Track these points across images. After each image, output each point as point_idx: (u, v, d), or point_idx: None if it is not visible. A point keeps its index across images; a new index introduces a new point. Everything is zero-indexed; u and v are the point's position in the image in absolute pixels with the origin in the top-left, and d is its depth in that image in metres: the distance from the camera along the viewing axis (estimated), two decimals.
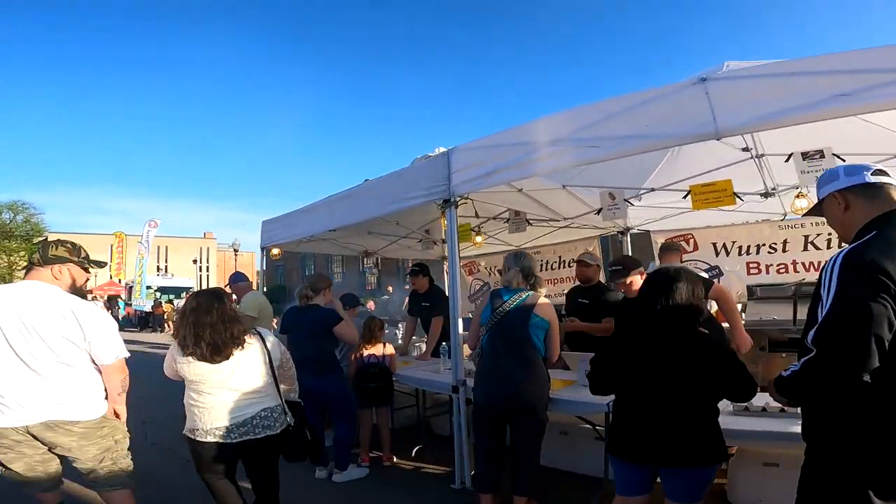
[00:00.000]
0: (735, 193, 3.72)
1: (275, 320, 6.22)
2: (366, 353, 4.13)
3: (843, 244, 1.69)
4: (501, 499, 2.99)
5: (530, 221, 5.22)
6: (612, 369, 2.15)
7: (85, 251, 2.63)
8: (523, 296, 2.89)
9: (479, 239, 5.84)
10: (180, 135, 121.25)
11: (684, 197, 3.96)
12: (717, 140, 2.51)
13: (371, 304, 10.96)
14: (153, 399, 6.57)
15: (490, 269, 7.88)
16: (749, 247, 5.55)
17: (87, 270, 2.61)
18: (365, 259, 8.07)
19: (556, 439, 3.63)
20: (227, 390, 2.40)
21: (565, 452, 3.70)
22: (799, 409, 2.41)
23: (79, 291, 2.56)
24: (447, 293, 5.24)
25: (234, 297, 5.56)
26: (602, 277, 4.60)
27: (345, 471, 3.82)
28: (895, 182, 1.63)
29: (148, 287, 28.00)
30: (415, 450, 4.36)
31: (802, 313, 4.64)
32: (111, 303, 28.64)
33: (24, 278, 2.48)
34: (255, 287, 5.77)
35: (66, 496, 2.91)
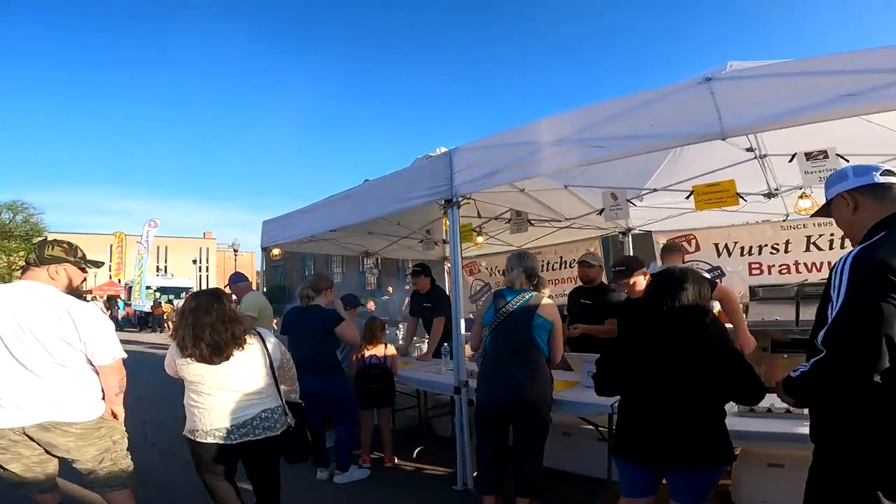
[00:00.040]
0: (738, 194, 3.72)
1: (275, 320, 6.21)
2: (367, 353, 4.11)
3: (852, 245, 1.69)
4: (504, 500, 2.98)
5: (532, 222, 5.21)
6: (618, 370, 2.13)
7: (81, 251, 2.61)
8: (527, 296, 2.88)
9: (480, 239, 5.82)
10: (180, 135, 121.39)
11: (687, 197, 3.96)
12: (723, 140, 2.49)
13: (371, 305, 10.93)
14: (153, 399, 6.57)
15: (491, 269, 7.87)
16: (751, 247, 5.55)
17: (83, 270, 2.60)
18: (365, 259, 8.06)
19: (559, 440, 3.61)
20: (227, 391, 2.39)
21: (567, 453, 3.68)
22: (804, 410, 2.42)
23: (75, 292, 2.55)
24: (448, 293, 5.24)
25: (234, 297, 5.56)
26: (603, 278, 4.58)
27: (346, 472, 3.80)
28: None
29: (147, 287, 27.99)
30: (416, 451, 4.35)
31: (805, 314, 4.70)
32: (111, 303, 28.64)
33: (20, 278, 2.47)
34: (254, 287, 5.75)
35: (66, 497, 2.89)
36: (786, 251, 5.36)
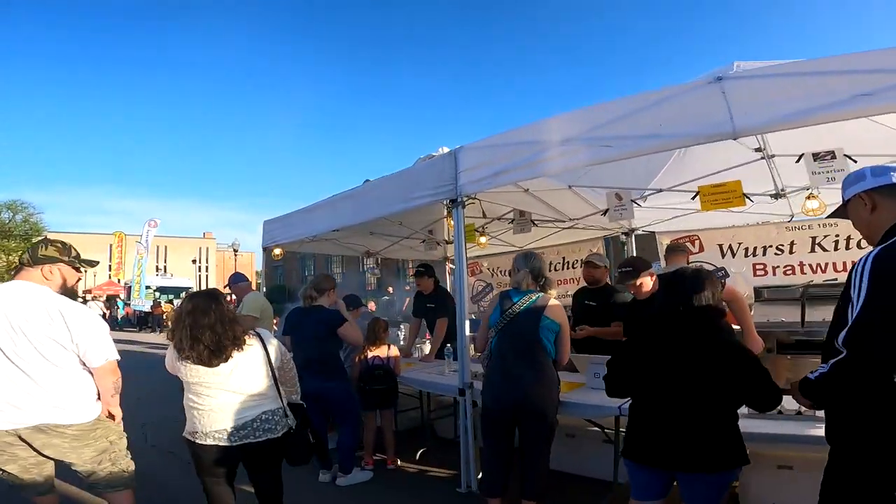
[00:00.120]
0: (745, 194, 3.69)
1: (275, 321, 6.17)
2: (370, 354, 4.07)
3: (869, 245, 1.67)
4: (509, 503, 2.94)
5: (535, 222, 5.19)
6: (629, 372, 2.10)
7: (76, 250, 2.58)
8: (533, 297, 2.85)
9: (483, 240, 5.79)
10: (180, 135, 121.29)
11: (693, 198, 3.93)
12: (734, 140, 2.46)
13: (372, 305, 10.89)
14: (153, 400, 6.54)
15: (493, 270, 7.84)
16: (755, 248, 5.52)
17: (78, 270, 2.57)
18: (366, 260, 8.02)
19: (564, 442, 3.58)
20: (227, 392, 2.35)
21: (572, 455, 3.65)
22: (815, 412, 2.40)
23: (70, 292, 2.51)
24: (451, 294, 5.21)
25: (234, 297, 5.52)
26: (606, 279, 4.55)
27: (349, 474, 3.77)
28: None
29: (147, 287, 27.95)
30: (419, 453, 4.31)
31: (811, 315, 4.67)
32: (110, 303, 28.60)
33: (13, 278, 2.43)
34: (254, 287, 5.72)
35: (64, 499, 2.87)
36: (790, 252, 5.33)
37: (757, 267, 5.50)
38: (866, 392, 1.48)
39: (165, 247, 52.31)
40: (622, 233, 6.28)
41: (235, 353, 2.33)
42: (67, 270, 2.50)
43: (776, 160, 3.91)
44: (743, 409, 2.58)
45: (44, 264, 2.41)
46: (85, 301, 25.86)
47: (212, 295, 2.45)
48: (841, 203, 1.81)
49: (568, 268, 6.95)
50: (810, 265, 5.26)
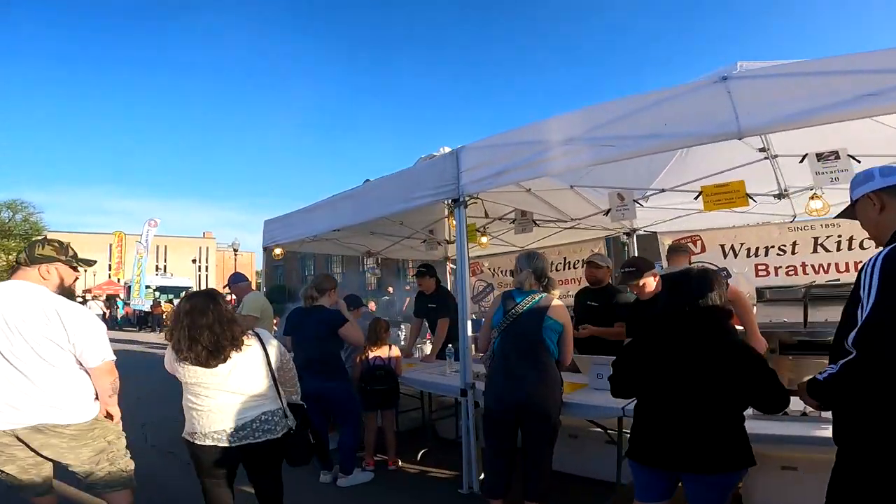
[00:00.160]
0: (748, 194, 3.67)
1: (275, 320, 6.16)
2: (371, 355, 4.06)
3: (877, 246, 1.65)
4: None
5: (537, 222, 5.17)
6: (635, 372, 2.08)
7: (72, 250, 2.56)
8: (536, 297, 2.83)
9: (484, 240, 5.78)
10: (180, 134, 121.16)
11: (696, 198, 3.91)
12: (739, 140, 2.45)
13: (372, 305, 10.87)
14: (152, 400, 6.52)
15: (494, 270, 7.83)
16: (757, 249, 5.50)
17: (75, 269, 2.55)
18: (366, 260, 8.02)
19: (566, 443, 3.57)
20: (225, 393, 2.33)
21: (575, 456, 3.63)
22: (821, 413, 2.39)
23: (68, 291, 2.50)
24: (452, 294, 5.20)
25: (234, 297, 5.49)
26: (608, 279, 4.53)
27: (350, 475, 3.75)
28: None
29: (147, 287, 27.92)
30: (420, 453, 4.30)
31: (813, 316, 4.65)
32: (110, 302, 28.58)
33: (10, 278, 2.41)
34: (254, 287, 5.69)
35: (63, 500, 2.85)
36: (793, 252, 5.32)
37: (759, 267, 5.49)
38: (876, 393, 1.46)
39: (165, 246, 52.32)
40: (623, 233, 6.27)
41: (234, 354, 2.31)
42: (65, 270, 2.48)
43: (779, 160, 3.90)
44: (748, 410, 2.58)
45: (41, 264, 2.40)
46: (85, 301, 25.89)
47: (210, 295, 2.42)
48: (848, 203, 1.80)
49: (569, 268, 6.93)
50: (812, 266, 5.24)
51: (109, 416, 2.51)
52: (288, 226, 5.69)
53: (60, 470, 2.47)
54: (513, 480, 2.91)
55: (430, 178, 3.75)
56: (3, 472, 2.32)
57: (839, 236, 5.12)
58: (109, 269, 36.77)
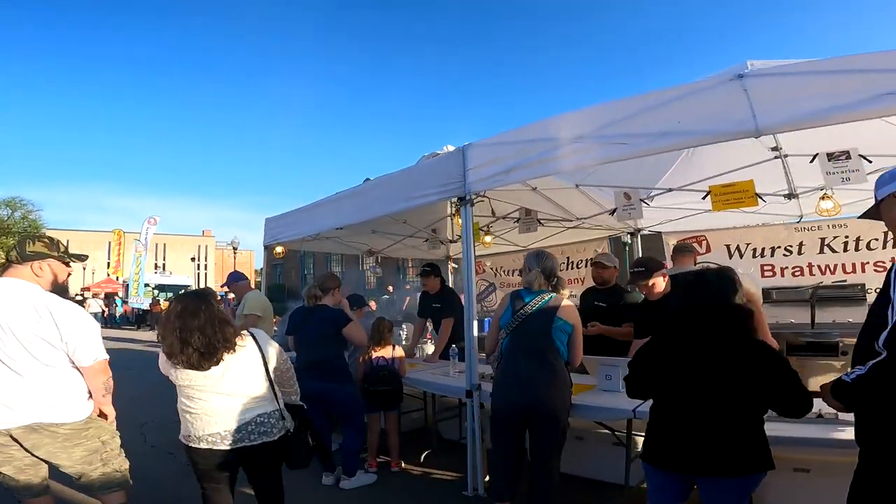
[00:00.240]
0: (757, 194, 3.63)
1: (274, 320, 6.10)
2: (374, 355, 4.00)
3: None
4: None
5: (541, 221, 5.12)
6: (652, 372, 2.04)
7: (63, 245, 2.52)
8: (546, 298, 2.78)
9: (488, 239, 5.73)
10: (180, 133, 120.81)
11: (704, 198, 3.87)
12: (756, 138, 2.40)
13: (372, 304, 10.80)
14: (151, 399, 6.45)
15: (496, 269, 7.78)
16: (763, 249, 5.46)
17: (67, 265, 2.51)
18: (366, 258, 7.97)
19: (572, 444, 3.49)
20: (219, 395, 2.27)
21: (581, 458, 3.58)
22: (838, 415, 2.35)
23: (61, 287, 2.46)
24: (456, 293, 5.15)
25: (233, 296, 5.42)
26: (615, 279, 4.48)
27: (353, 477, 3.70)
28: None
29: (146, 285, 27.85)
30: (423, 455, 4.25)
31: (820, 317, 4.61)
32: (109, 300, 28.51)
33: (1, 276, 2.36)
34: (253, 286, 5.61)
35: (60, 500, 2.81)
36: (799, 253, 5.28)
37: (765, 268, 5.45)
38: None
39: (164, 244, 52.11)
40: (628, 233, 6.21)
41: (227, 355, 2.25)
42: (57, 266, 2.44)
43: (787, 160, 3.85)
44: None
45: (33, 261, 2.35)
46: (84, 299, 25.82)
47: (201, 295, 2.36)
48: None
49: (572, 268, 6.88)
50: (819, 266, 5.21)
51: (103, 415, 2.48)
52: (289, 224, 5.64)
53: (57, 471, 2.42)
54: (519, 484, 2.87)
55: (436, 176, 3.70)
56: (0, 473, 2.28)
57: (846, 237, 5.08)
58: (108, 267, 36.66)
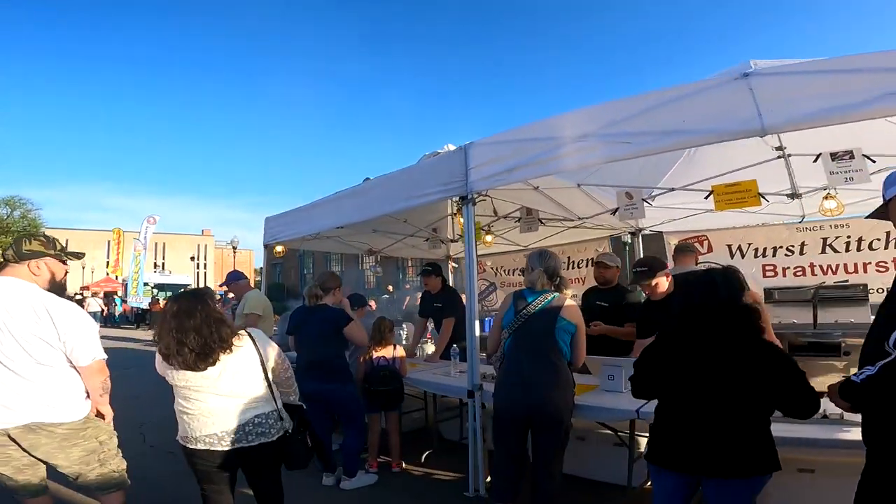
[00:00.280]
0: (760, 194, 3.61)
1: (274, 319, 6.07)
2: (375, 355, 3.98)
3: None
4: None
5: (543, 221, 5.09)
6: (658, 372, 2.02)
7: (60, 243, 2.50)
8: (549, 297, 2.76)
9: (489, 238, 5.71)
10: (180, 132, 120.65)
11: (706, 197, 3.85)
12: (761, 137, 2.38)
13: (372, 304, 10.77)
14: (151, 398, 6.42)
15: (496, 269, 7.76)
16: (765, 249, 5.44)
17: (64, 263, 2.49)
18: (366, 258, 7.96)
19: (573, 444, 3.49)
20: (216, 396, 2.24)
21: (583, 459, 3.57)
22: (844, 415, 2.34)
23: (59, 286, 2.44)
24: (458, 293, 5.13)
25: (232, 295, 5.38)
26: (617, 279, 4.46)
27: (353, 477, 3.68)
28: None
29: (145, 284, 27.81)
30: (424, 455, 4.23)
31: (823, 317, 4.59)
32: (108, 299, 28.48)
33: None
34: (252, 285, 5.57)
35: (57, 500, 2.78)
36: (801, 253, 5.26)
37: (766, 268, 5.43)
38: None
39: (164, 244, 52.07)
40: (629, 232, 6.20)
41: (224, 356, 2.22)
42: (54, 264, 2.42)
43: (790, 160, 3.83)
44: None
45: (30, 260, 2.34)
46: (83, 298, 25.78)
47: (197, 295, 2.33)
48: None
49: (573, 267, 6.86)
50: (821, 266, 5.19)
51: (101, 415, 2.46)
52: (289, 223, 5.61)
53: (55, 471, 2.41)
54: (521, 485, 2.85)
55: (438, 175, 3.68)
56: None
57: (848, 237, 5.07)
58: (107, 266, 36.62)
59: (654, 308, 3.35)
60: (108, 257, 38.23)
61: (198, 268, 52.60)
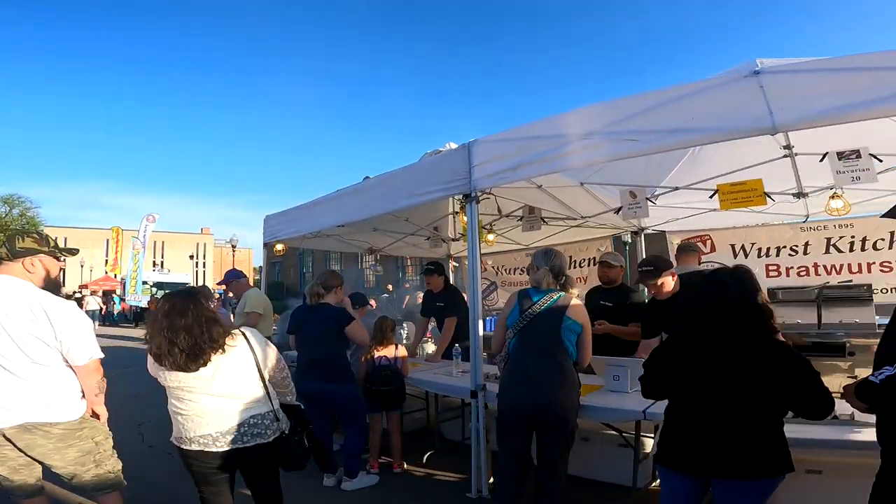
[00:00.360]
0: (766, 193, 3.58)
1: (274, 318, 6.03)
2: (376, 354, 3.95)
3: None
4: None
5: (545, 219, 5.06)
6: (669, 372, 1.98)
7: (53, 240, 2.47)
8: (554, 297, 2.73)
9: (491, 237, 5.67)
10: (179, 131, 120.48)
11: (711, 196, 3.82)
12: (772, 135, 2.35)
13: (373, 302, 10.72)
14: (149, 398, 6.35)
15: (497, 268, 7.72)
16: (769, 249, 5.41)
17: (58, 259, 2.46)
18: (366, 257, 7.92)
19: (578, 445, 3.46)
20: (210, 396, 2.19)
21: (587, 459, 3.54)
22: (855, 416, 2.31)
23: (54, 283, 2.41)
24: (460, 292, 5.09)
25: (232, 294, 5.33)
26: (621, 278, 4.43)
27: (354, 478, 3.65)
28: None
29: (144, 282, 27.71)
30: (426, 456, 4.20)
31: (827, 317, 4.56)
32: (107, 298, 28.40)
33: None
34: (251, 284, 5.54)
35: (54, 501, 2.75)
36: (805, 253, 5.23)
37: (770, 268, 5.39)
38: None
39: (163, 242, 51.99)
40: (631, 232, 6.16)
41: (217, 356, 2.17)
42: (49, 261, 2.39)
43: (795, 159, 3.80)
44: None
45: (24, 257, 2.30)
46: (82, 296, 25.71)
47: (190, 294, 2.28)
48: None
49: (575, 267, 6.82)
50: (825, 266, 5.15)
51: (95, 415, 2.43)
52: (290, 221, 5.57)
53: (51, 471, 2.38)
54: (525, 485, 2.82)
55: (441, 173, 3.64)
56: None
57: (852, 237, 5.03)
58: (106, 264, 36.54)
59: (660, 308, 3.32)
60: (106, 256, 38.15)
61: (196, 266, 52.54)
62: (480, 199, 3.48)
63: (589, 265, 6.58)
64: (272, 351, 2.41)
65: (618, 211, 4.67)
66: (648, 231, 6.08)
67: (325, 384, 3.55)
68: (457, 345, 4.27)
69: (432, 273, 4.95)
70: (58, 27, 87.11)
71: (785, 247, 5.33)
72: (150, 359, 2.27)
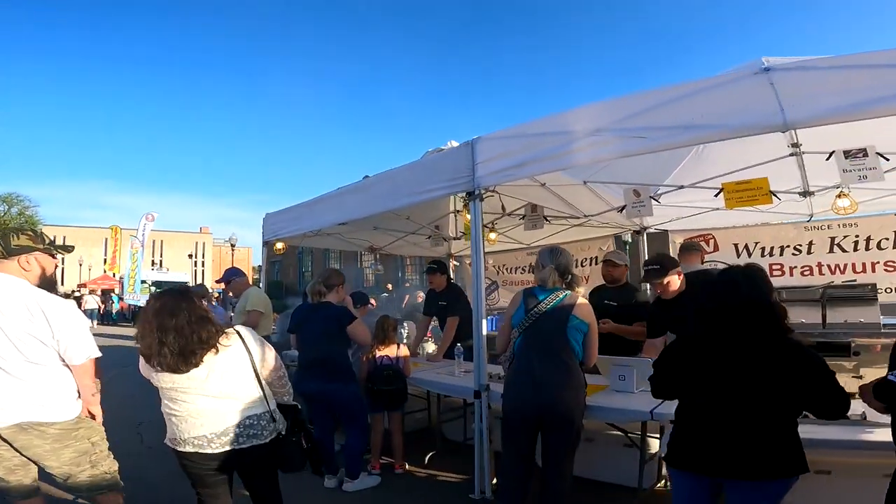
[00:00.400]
0: (772, 192, 3.54)
1: (274, 317, 5.99)
2: (378, 354, 3.91)
3: None
4: None
5: (547, 218, 5.02)
6: (680, 372, 1.95)
7: (48, 237, 2.45)
8: (560, 296, 2.69)
9: (492, 236, 5.64)
10: (178, 130, 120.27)
11: (716, 195, 3.79)
12: (783, 133, 2.32)
13: (373, 301, 10.66)
14: (147, 398, 6.22)
15: (498, 267, 7.68)
16: (772, 248, 5.37)
17: (53, 257, 2.43)
18: (366, 255, 7.88)
19: (582, 446, 3.42)
20: (205, 397, 2.13)
21: (592, 460, 3.50)
22: (866, 416, 2.29)
23: (50, 281, 2.38)
24: (462, 291, 5.05)
25: (231, 293, 5.28)
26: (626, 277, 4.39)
27: (356, 479, 3.61)
28: None
29: (143, 281, 27.63)
30: (428, 456, 4.16)
31: (832, 317, 4.53)
32: (105, 297, 28.34)
33: None
34: (250, 282, 5.49)
35: (50, 501, 2.72)
36: (808, 252, 5.20)
37: (773, 267, 5.36)
38: None
39: (161, 241, 51.91)
40: (633, 231, 6.13)
41: (210, 356, 2.10)
42: (44, 259, 2.36)
43: (794, 158, 3.77)
44: None
45: (19, 255, 2.27)
46: (80, 295, 25.65)
47: (181, 292, 2.21)
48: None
49: (576, 266, 6.79)
50: (829, 266, 5.13)
51: (91, 415, 2.40)
52: (290, 219, 5.53)
53: (48, 472, 2.35)
54: (530, 486, 2.78)
55: (443, 170, 3.61)
56: None
57: (856, 236, 5.01)
58: (105, 263, 36.47)
59: (665, 307, 3.29)
60: (105, 255, 38.05)
61: (195, 265, 52.45)
62: (484, 196, 3.44)
63: (591, 264, 6.55)
64: (269, 350, 2.35)
65: (622, 209, 4.63)
66: (650, 230, 6.04)
67: (326, 384, 3.51)
68: (459, 344, 4.23)
69: (435, 272, 4.92)
70: (58, 27, 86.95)
71: (789, 246, 5.30)
72: (140, 360, 2.21)
